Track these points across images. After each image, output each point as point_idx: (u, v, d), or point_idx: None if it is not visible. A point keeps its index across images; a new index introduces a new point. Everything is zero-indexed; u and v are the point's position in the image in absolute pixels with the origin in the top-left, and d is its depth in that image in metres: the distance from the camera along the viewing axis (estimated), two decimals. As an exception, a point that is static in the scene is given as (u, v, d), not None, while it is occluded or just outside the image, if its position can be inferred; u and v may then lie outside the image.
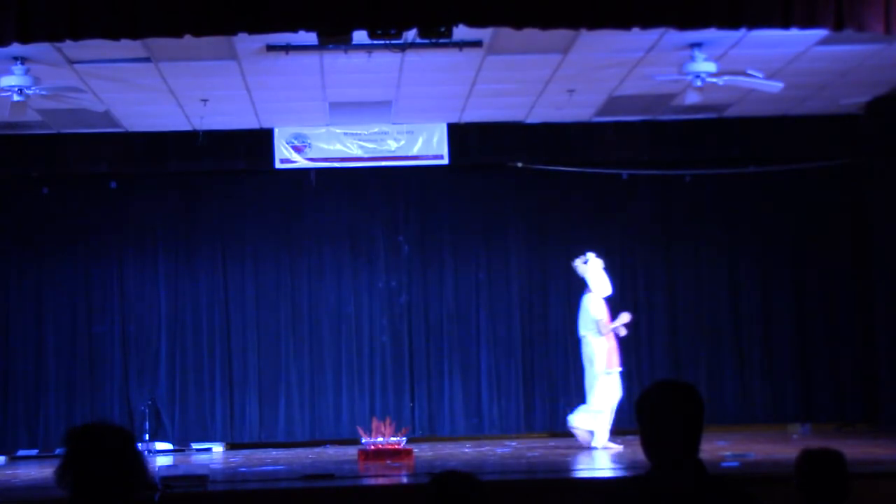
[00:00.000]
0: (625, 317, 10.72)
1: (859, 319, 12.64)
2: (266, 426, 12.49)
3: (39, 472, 9.96)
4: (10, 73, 9.48)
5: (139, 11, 7.35)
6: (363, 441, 10.04)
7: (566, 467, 9.24)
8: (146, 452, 11.46)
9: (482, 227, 12.90)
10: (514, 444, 11.75)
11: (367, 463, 9.62)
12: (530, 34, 8.20)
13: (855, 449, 8.83)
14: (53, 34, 7.56)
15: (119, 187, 12.58)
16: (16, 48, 8.43)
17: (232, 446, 12.45)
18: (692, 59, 9.71)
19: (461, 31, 8.73)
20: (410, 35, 8.77)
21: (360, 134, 12.32)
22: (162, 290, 12.61)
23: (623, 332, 10.79)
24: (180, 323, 12.60)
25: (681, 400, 3.02)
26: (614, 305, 11.04)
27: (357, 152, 12.35)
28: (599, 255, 11.00)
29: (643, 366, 12.69)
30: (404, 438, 10.09)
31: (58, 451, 10.82)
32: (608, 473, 8.81)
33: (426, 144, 12.34)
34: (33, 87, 9.57)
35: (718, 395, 12.60)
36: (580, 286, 12.81)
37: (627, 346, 12.74)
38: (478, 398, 12.65)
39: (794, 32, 8.32)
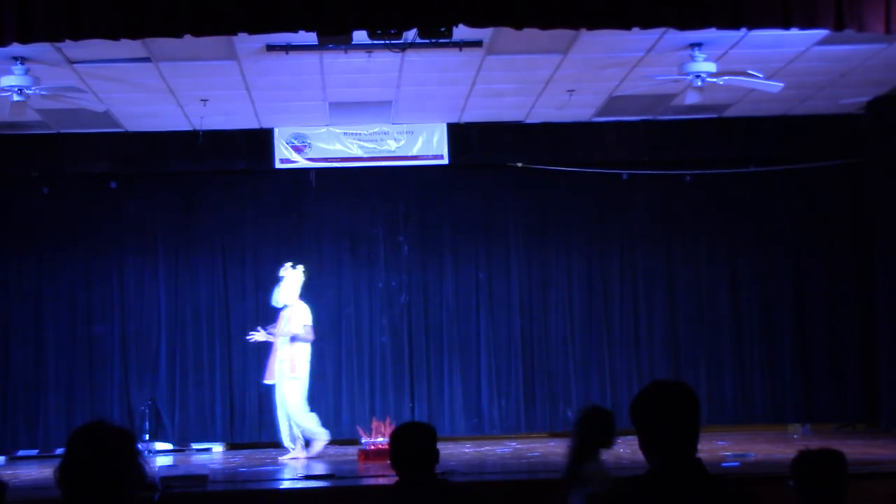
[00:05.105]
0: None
1: (859, 319, 12.63)
2: (266, 426, 12.46)
3: (39, 472, 9.96)
4: (10, 73, 9.48)
5: (139, 11, 7.36)
6: (363, 441, 10.04)
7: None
8: (146, 452, 11.46)
9: (482, 226, 12.89)
10: (514, 444, 11.75)
11: (367, 463, 9.62)
12: (530, 34, 8.20)
13: (855, 449, 8.84)
14: (53, 34, 7.56)
15: (119, 187, 12.57)
16: (16, 48, 8.43)
17: (232, 446, 12.45)
18: (692, 59, 9.71)
19: (461, 31, 8.73)
20: (410, 35, 8.76)
21: (360, 134, 12.32)
22: (162, 290, 12.60)
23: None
24: (180, 323, 12.59)
25: (676, 400, 3.03)
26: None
27: (357, 152, 12.35)
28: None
29: (643, 366, 12.69)
30: (404, 439, 10.07)
31: (58, 451, 10.83)
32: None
33: (426, 144, 12.34)
34: (33, 87, 9.57)
35: (718, 395, 12.61)
36: (580, 286, 12.86)
37: (627, 346, 12.80)
38: (478, 398, 12.64)
39: (794, 32, 8.33)
